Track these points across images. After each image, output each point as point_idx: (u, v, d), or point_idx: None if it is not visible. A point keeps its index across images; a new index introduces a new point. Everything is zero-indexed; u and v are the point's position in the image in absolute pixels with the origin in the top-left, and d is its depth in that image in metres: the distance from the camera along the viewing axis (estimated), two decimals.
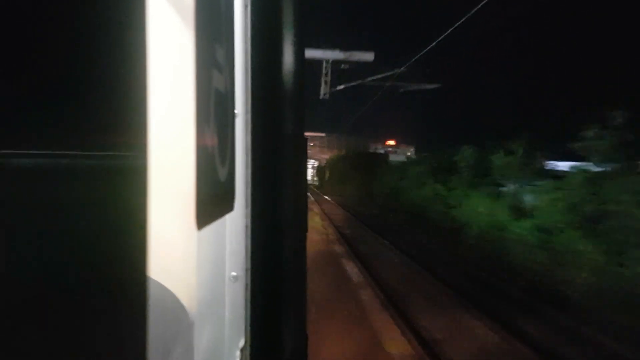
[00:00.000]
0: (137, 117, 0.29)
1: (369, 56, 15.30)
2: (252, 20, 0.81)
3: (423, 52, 11.12)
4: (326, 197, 35.55)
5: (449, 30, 9.37)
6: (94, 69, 0.24)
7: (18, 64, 0.19)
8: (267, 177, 0.82)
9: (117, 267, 0.27)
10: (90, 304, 0.24)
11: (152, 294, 0.31)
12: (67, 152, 0.22)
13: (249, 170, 0.81)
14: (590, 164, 8.83)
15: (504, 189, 12.55)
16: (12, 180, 0.18)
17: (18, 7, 0.18)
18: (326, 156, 50.05)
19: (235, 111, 0.77)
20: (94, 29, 0.24)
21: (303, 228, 0.91)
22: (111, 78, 0.26)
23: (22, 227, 0.19)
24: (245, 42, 0.81)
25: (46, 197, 0.20)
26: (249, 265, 0.82)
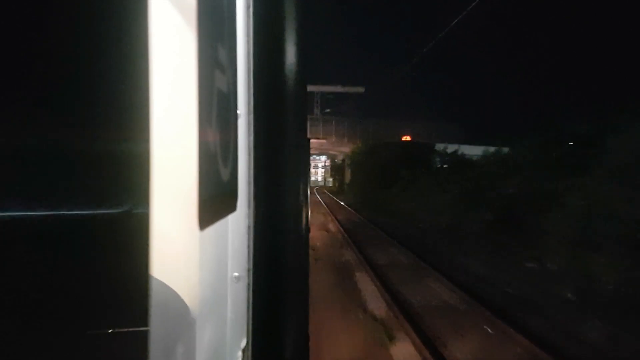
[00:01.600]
0: (139, 117, 0.29)
1: None
2: (254, 20, 0.81)
3: None
4: (359, 215, 18.21)
5: None
6: (97, 69, 0.24)
7: (23, 64, 0.19)
8: (270, 178, 0.82)
9: (119, 267, 0.27)
10: (94, 302, 0.24)
11: (154, 293, 0.31)
12: (67, 152, 0.22)
13: (252, 171, 0.81)
14: None
15: None
16: (11, 175, 0.18)
17: (21, 8, 0.18)
18: (345, 149, 37.97)
19: (238, 111, 0.77)
20: (97, 29, 0.24)
21: (305, 228, 0.91)
22: (114, 78, 0.26)
23: (21, 216, 0.19)
24: (248, 43, 0.81)
25: (45, 197, 0.20)
26: (251, 266, 0.82)
